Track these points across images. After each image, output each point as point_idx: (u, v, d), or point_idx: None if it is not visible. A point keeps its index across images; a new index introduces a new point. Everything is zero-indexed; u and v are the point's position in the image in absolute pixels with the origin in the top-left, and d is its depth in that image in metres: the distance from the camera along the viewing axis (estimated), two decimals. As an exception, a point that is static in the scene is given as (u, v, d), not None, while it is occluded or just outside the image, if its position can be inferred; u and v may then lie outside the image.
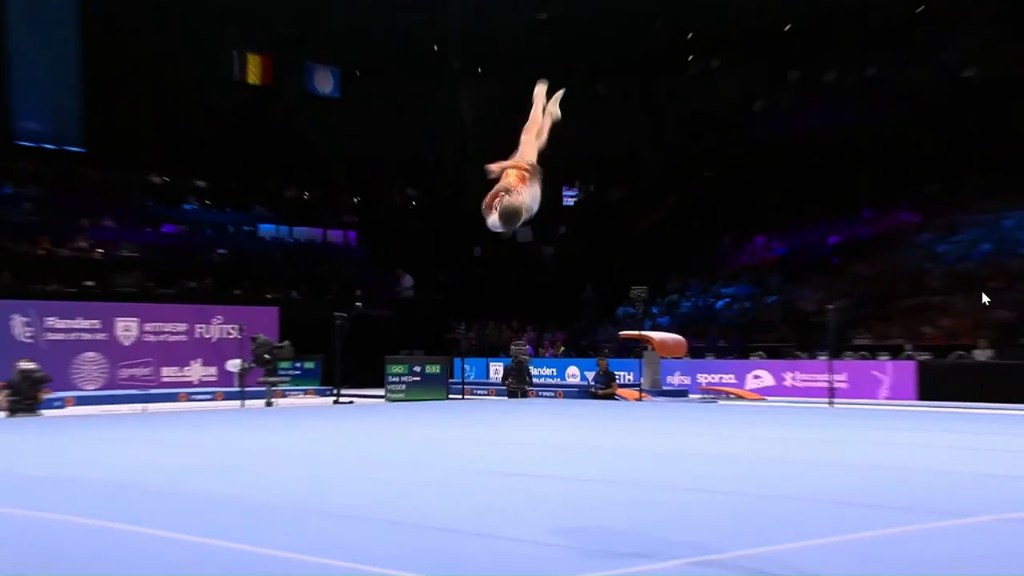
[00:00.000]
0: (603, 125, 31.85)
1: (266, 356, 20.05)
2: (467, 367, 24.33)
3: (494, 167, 6.02)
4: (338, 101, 34.01)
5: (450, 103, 35.23)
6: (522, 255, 33.31)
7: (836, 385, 19.25)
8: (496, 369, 25.72)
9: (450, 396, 21.85)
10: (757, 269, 29.48)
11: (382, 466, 9.26)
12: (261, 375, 20.20)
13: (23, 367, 16.74)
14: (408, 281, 32.11)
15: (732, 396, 21.58)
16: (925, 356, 21.58)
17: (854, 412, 17.09)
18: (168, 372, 23.40)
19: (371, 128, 32.42)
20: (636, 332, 22.44)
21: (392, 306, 30.05)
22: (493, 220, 5.89)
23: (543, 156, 6.28)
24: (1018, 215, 25.64)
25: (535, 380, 23.33)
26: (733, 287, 29.01)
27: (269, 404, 19.44)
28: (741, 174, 32.29)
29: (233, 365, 21.04)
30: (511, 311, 31.03)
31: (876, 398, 20.64)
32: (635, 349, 22.63)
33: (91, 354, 22.43)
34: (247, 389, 19.76)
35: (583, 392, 21.98)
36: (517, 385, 21.97)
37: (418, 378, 21.24)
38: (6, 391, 16.54)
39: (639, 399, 20.64)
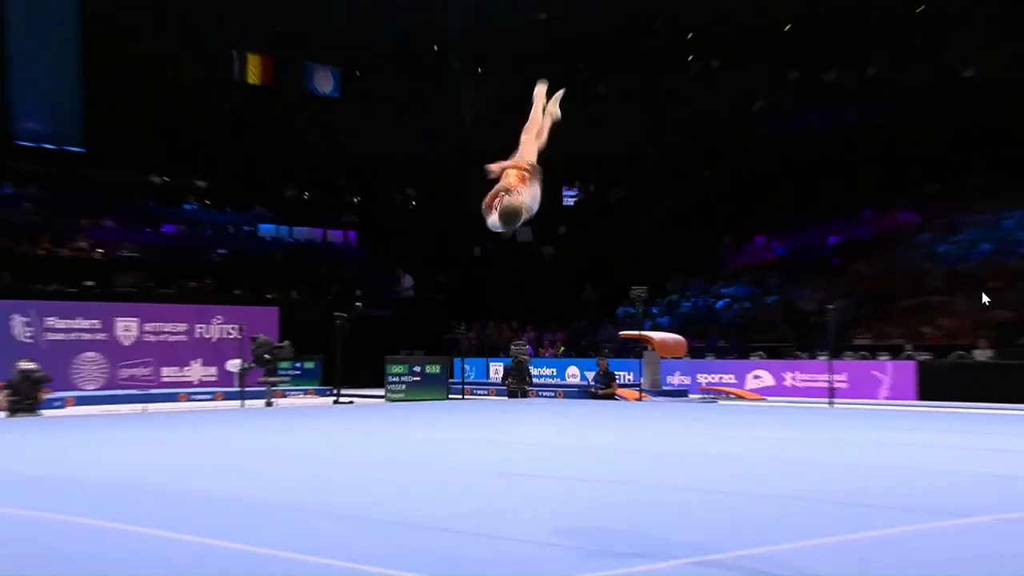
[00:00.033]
0: (603, 125, 31.85)
1: (266, 356, 20.05)
2: (467, 367, 24.33)
3: (494, 167, 6.01)
4: (338, 101, 34.02)
5: (450, 103, 35.23)
6: (522, 255, 33.32)
7: (836, 385, 19.25)
8: (496, 369, 25.72)
9: (450, 396, 21.85)
10: (757, 269, 29.48)
11: (382, 466, 9.26)
12: (261, 375, 20.20)
13: (23, 367, 16.74)
14: (408, 281, 32.11)
15: (732, 396, 21.57)
16: (925, 356, 21.58)
17: (854, 412, 17.08)
18: (168, 372, 23.40)
19: (371, 128, 32.42)
20: (636, 332, 22.44)
21: (392, 306, 30.05)
22: (493, 220, 5.87)
23: (543, 156, 6.28)
24: (1018, 215, 25.65)
25: (535, 380, 23.33)
26: (733, 287, 29.01)
27: (269, 404, 19.44)
28: (741, 174, 32.29)
29: (233, 365, 21.04)
30: (511, 311, 31.03)
31: (876, 398, 20.64)
32: (635, 349, 22.63)
33: (91, 354, 22.42)
34: (247, 389, 19.76)
35: (583, 392, 21.98)
36: (517, 385, 21.96)
37: (418, 378, 21.24)
38: (6, 391, 16.54)
39: (639, 399, 20.64)
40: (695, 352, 24.29)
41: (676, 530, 5.70)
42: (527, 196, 5.87)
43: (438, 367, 21.96)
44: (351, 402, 20.38)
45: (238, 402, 19.53)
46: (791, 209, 29.98)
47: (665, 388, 22.34)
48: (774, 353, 23.98)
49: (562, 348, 28.84)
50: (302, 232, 32.72)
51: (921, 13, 29.62)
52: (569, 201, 36.55)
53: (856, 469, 8.71)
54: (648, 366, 21.71)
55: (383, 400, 20.88)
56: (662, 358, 22.38)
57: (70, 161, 28.90)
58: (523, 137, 6.33)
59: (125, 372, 22.78)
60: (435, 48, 34.33)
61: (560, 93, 6.57)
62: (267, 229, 32.08)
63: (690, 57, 34.39)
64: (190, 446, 11.57)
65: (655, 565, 4.72)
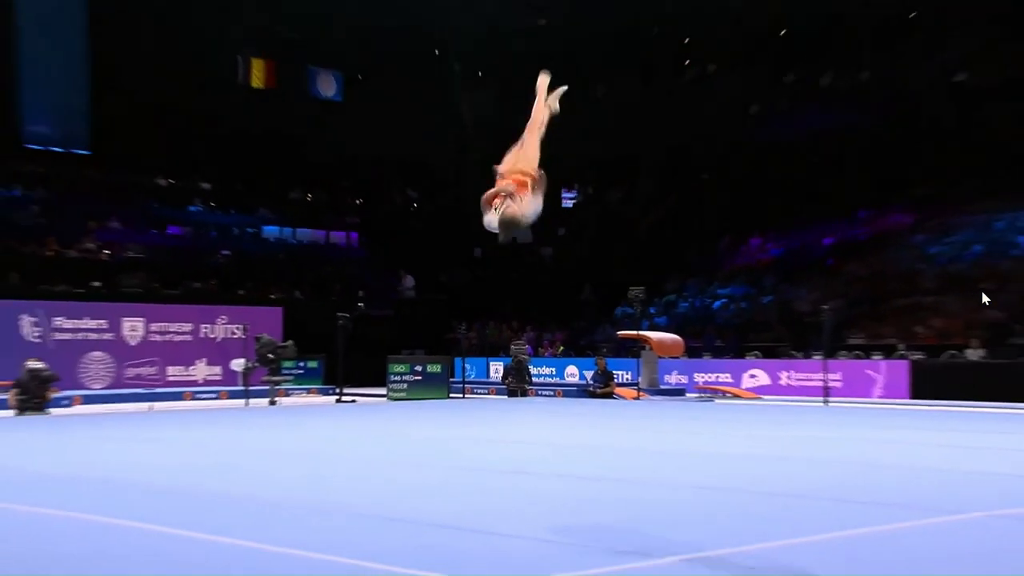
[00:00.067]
0: (601, 128, 31.86)
1: (270, 356, 20.04)
2: (467, 366, 24.32)
3: (504, 172, 5.93)
4: (340, 105, 34.03)
5: (450, 107, 35.24)
6: (522, 256, 33.32)
7: (831, 384, 19.25)
8: (496, 368, 25.71)
9: (451, 395, 21.85)
10: (753, 270, 29.49)
11: (383, 464, 9.25)
12: (265, 374, 20.19)
13: (31, 366, 16.74)
14: (409, 282, 32.11)
15: (728, 395, 21.57)
16: (918, 355, 21.60)
17: (848, 411, 17.08)
18: (173, 371, 23.40)
19: (373, 131, 32.44)
20: (634, 332, 22.43)
21: (394, 306, 30.06)
22: (490, 219, 5.77)
23: (541, 155, 6.20)
24: (1009, 217, 25.67)
25: (534, 379, 23.32)
26: (729, 288, 29.02)
27: (273, 403, 19.43)
28: (737, 176, 32.30)
29: (237, 364, 21.04)
30: (511, 311, 31.03)
31: (870, 397, 20.64)
32: (633, 349, 22.63)
33: (98, 354, 22.43)
34: (251, 388, 19.76)
35: (582, 391, 21.97)
36: (517, 384, 21.95)
37: (419, 377, 21.23)
38: (15, 390, 16.54)
39: (637, 398, 20.63)
40: (692, 352, 24.29)
41: (674, 527, 5.69)
42: (528, 206, 5.77)
43: (439, 366, 21.96)
44: (353, 401, 20.37)
45: (242, 401, 19.52)
46: (787, 211, 29.99)
47: (663, 387, 22.33)
48: (770, 353, 23.98)
49: (561, 348, 28.83)
50: (305, 234, 32.74)
51: (914, 18, 29.64)
52: (568, 203, 36.57)
53: (850, 467, 8.70)
54: (646, 365, 21.71)
55: (385, 399, 20.88)
56: (660, 358, 22.38)
57: (77, 164, 28.94)
58: (527, 137, 6.19)
59: (131, 371, 22.79)
60: (436, 53, 34.33)
61: (561, 89, 6.46)
62: (271, 231, 32.10)
63: (687, 61, 34.39)
64: (195, 444, 11.56)
65: (653, 562, 4.72)
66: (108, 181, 29.14)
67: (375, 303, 28.39)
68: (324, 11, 30.89)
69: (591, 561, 4.72)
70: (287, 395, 21.23)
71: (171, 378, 23.23)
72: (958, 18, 28.24)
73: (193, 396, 21.34)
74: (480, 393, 23.55)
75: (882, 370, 21.03)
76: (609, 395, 20.98)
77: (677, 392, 22.23)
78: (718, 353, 25.04)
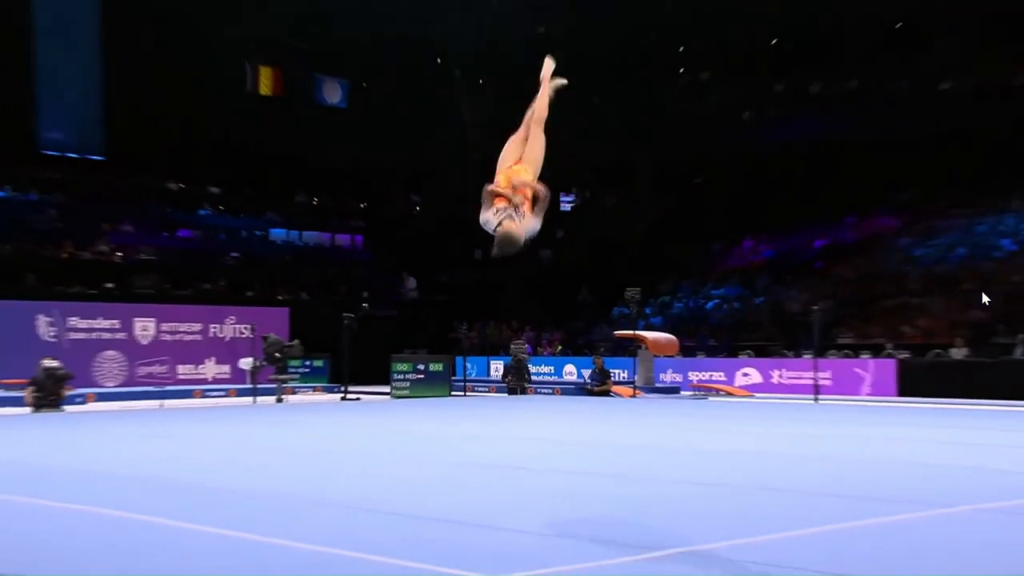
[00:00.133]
0: (598, 134, 31.84)
1: (277, 355, 20.03)
2: (469, 365, 24.30)
3: (504, 169, 5.79)
4: (345, 111, 34.01)
5: (452, 113, 35.22)
6: (521, 258, 33.25)
7: (821, 382, 19.26)
8: (496, 367, 25.70)
9: (452, 393, 21.82)
10: (745, 272, 29.49)
11: (387, 460, 9.23)
12: (272, 373, 20.18)
13: (47, 365, 16.73)
14: (412, 283, 32.10)
15: (722, 393, 21.56)
16: (905, 354, 21.60)
17: (838, 408, 17.08)
18: (184, 370, 23.39)
19: (377, 137, 32.41)
20: (630, 332, 22.41)
21: (397, 307, 30.04)
22: (487, 218, 5.60)
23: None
24: (991, 221, 25.72)
25: (534, 378, 23.31)
26: (723, 289, 29.01)
27: (279, 400, 19.42)
28: (730, 181, 32.29)
29: (245, 363, 21.03)
30: (511, 311, 31.01)
31: (859, 394, 20.63)
32: (629, 348, 22.61)
33: (111, 353, 22.42)
34: (259, 386, 19.74)
35: (580, 389, 21.95)
36: (516, 382, 21.93)
37: (422, 376, 21.21)
38: (31, 388, 16.54)
39: (633, 396, 20.62)
40: (686, 351, 24.28)
41: (670, 521, 5.67)
42: (527, 225, 5.60)
43: (441, 365, 21.93)
44: (358, 399, 20.35)
45: (250, 398, 19.51)
46: (778, 214, 29.99)
47: (658, 385, 22.32)
48: (762, 352, 23.98)
49: (559, 347, 28.82)
50: (311, 236, 32.73)
51: (900, 29, 29.65)
52: (566, 207, 36.55)
53: (840, 462, 8.68)
54: (642, 364, 21.69)
55: (388, 397, 20.85)
56: (655, 357, 22.37)
57: (92, 169, 28.93)
58: (533, 130, 6.00)
59: (143, 370, 22.77)
60: (438, 61, 34.32)
61: (562, 81, 6.26)
62: (278, 233, 32.08)
63: (681, 69, 34.38)
64: (204, 440, 11.54)
65: (649, 555, 4.70)
66: (121, 186, 29.14)
67: (379, 304, 28.37)
68: (330, 21, 30.87)
69: (589, 554, 4.71)
70: (293, 393, 21.22)
71: (181, 376, 23.21)
72: (941, 29, 28.27)
73: (202, 394, 21.33)
74: (481, 391, 23.52)
75: (870, 368, 21.02)
76: (606, 393, 20.97)
77: (672, 390, 22.22)
78: (712, 352, 25.02)
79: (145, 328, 22.98)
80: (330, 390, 22.84)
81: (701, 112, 32.79)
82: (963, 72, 28.24)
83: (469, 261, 33.84)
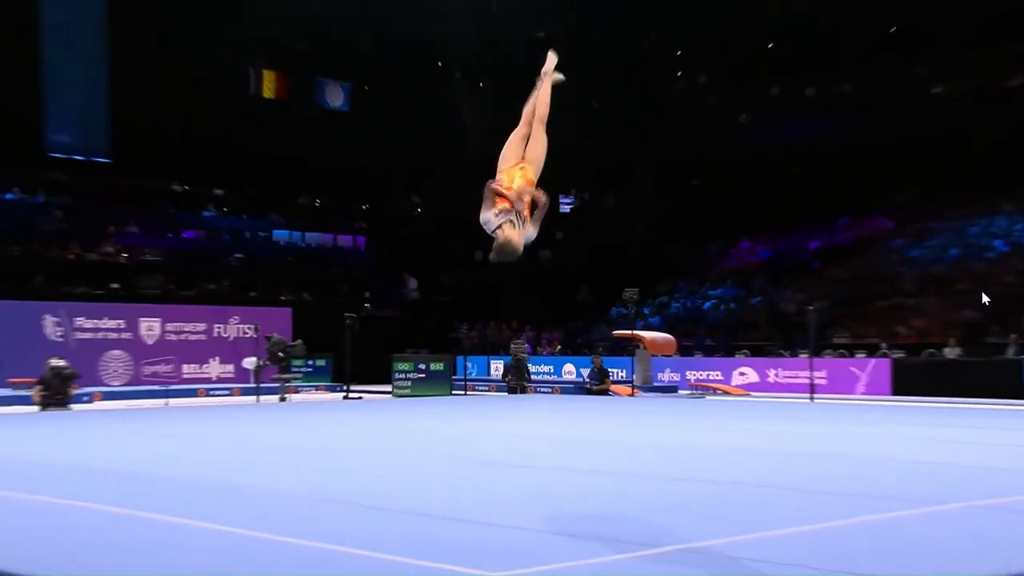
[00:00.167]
0: (597, 137, 31.84)
1: (280, 354, 20.02)
2: (469, 365, 24.29)
3: (505, 168, 5.71)
4: (347, 114, 34.01)
5: (452, 116, 35.22)
6: (521, 259, 33.23)
7: (816, 381, 19.25)
8: (496, 367, 25.69)
9: (453, 392, 21.81)
10: (742, 272, 29.49)
11: (388, 458, 9.22)
12: (275, 372, 20.18)
13: (54, 364, 16.73)
14: (413, 283, 32.10)
15: (719, 392, 21.55)
16: (899, 354, 21.59)
17: (833, 407, 17.06)
18: (188, 369, 23.39)
19: (378, 139, 32.41)
20: (628, 331, 22.40)
21: (398, 307, 30.04)
22: (487, 217, 5.52)
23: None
24: (983, 222, 25.72)
25: (533, 377, 23.29)
26: (720, 289, 29.01)
27: (283, 399, 19.41)
28: (727, 183, 32.28)
29: (249, 363, 21.03)
30: (511, 312, 31.00)
31: (854, 393, 20.62)
32: (628, 348, 22.60)
33: (117, 352, 22.42)
34: (262, 385, 19.74)
35: (579, 388, 21.94)
36: (516, 382, 21.92)
37: (423, 375, 21.21)
38: (39, 387, 16.54)
39: (631, 395, 20.61)
40: (684, 350, 24.28)
41: (668, 518, 5.66)
42: (526, 234, 5.55)
43: (442, 364, 21.92)
44: (360, 398, 20.35)
45: (253, 397, 19.50)
46: (774, 216, 29.99)
47: (656, 384, 22.31)
48: (758, 351, 23.97)
49: (559, 347, 28.81)
50: (314, 237, 32.73)
51: (893, 34, 29.66)
52: (565, 208, 36.54)
53: (836, 460, 8.67)
54: (640, 364, 21.68)
55: (390, 396, 20.85)
56: (653, 356, 22.35)
57: (98, 172, 28.93)
58: (536, 128, 5.89)
59: (148, 369, 22.78)
60: (439, 64, 34.32)
61: (560, 77, 6.14)
62: (281, 235, 32.09)
63: (679, 73, 34.38)
64: (208, 439, 11.53)
65: (648, 551, 4.69)
66: (127, 188, 29.15)
67: (380, 304, 28.36)
68: (332, 25, 30.88)
69: (589, 551, 4.69)
70: (296, 392, 21.21)
71: (186, 376, 23.22)
72: (934, 33, 28.28)
73: (207, 393, 21.33)
74: (481, 390, 23.51)
75: (865, 368, 21.01)
76: (605, 392, 20.95)
77: (670, 389, 22.21)
78: (709, 352, 25.02)
79: (150, 328, 22.98)
80: (332, 389, 22.83)
81: (699, 115, 32.80)
82: (956, 75, 28.25)
83: (470, 262, 33.84)
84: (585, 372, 22.66)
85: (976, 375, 19.47)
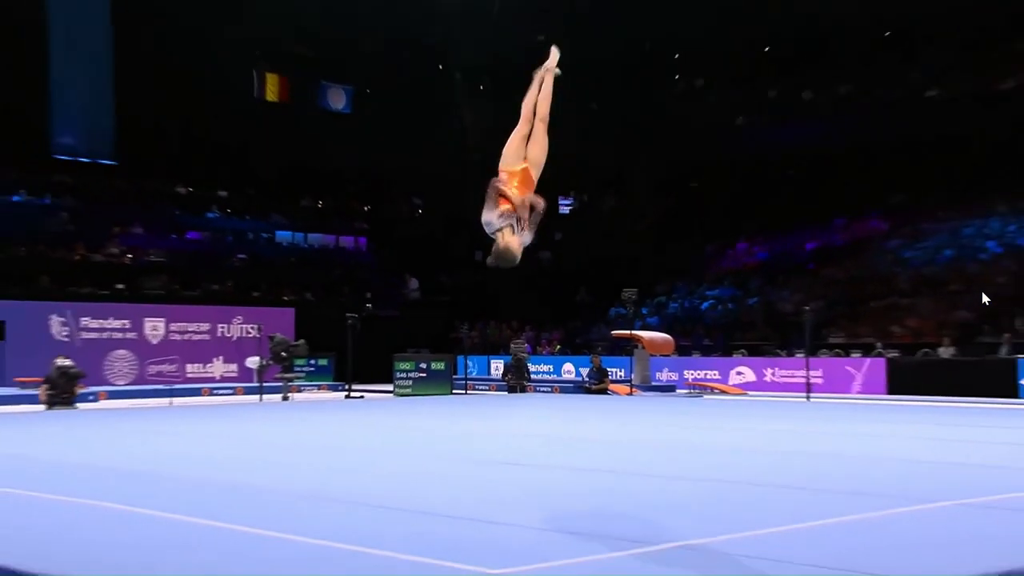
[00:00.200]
0: (596, 139, 31.84)
1: (283, 354, 20.02)
2: (470, 364, 24.29)
3: (506, 168, 5.65)
4: (350, 117, 34.01)
5: (453, 118, 35.22)
6: (521, 259, 33.22)
7: (812, 381, 19.24)
8: (496, 366, 25.69)
9: (454, 391, 21.81)
10: (739, 273, 29.48)
11: (389, 456, 9.21)
12: (278, 371, 20.17)
13: (60, 364, 16.74)
14: (414, 284, 32.08)
15: (716, 391, 21.54)
16: (894, 354, 21.59)
17: (829, 406, 17.05)
18: (192, 369, 23.40)
19: (380, 142, 32.41)
20: (627, 331, 22.40)
21: (400, 307, 30.02)
22: (490, 218, 5.48)
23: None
24: (977, 224, 25.72)
25: (533, 376, 23.29)
26: (717, 290, 29.00)
27: (285, 398, 19.41)
28: (724, 185, 32.27)
29: (252, 362, 21.03)
30: (511, 312, 30.99)
31: (849, 392, 20.61)
32: (626, 347, 22.60)
33: (122, 352, 22.43)
34: (265, 384, 19.74)
35: (578, 387, 21.94)
36: (516, 381, 21.92)
37: (424, 374, 21.20)
38: (45, 386, 16.55)
39: (630, 394, 20.60)
40: (682, 350, 24.28)
41: (665, 516, 5.65)
42: (524, 240, 5.54)
43: (443, 364, 21.92)
44: (361, 397, 20.34)
45: (256, 396, 19.50)
46: (771, 217, 29.99)
47: (654, 384, 22.30)
48: (755, 351, 23.97)
49: (558, 346, 28.81)
50: (316, 238, 32.72)
51: (888, 37, 29.66)
52: (565, 210, 36.52)
53: (831, 458, 8.67)
54: (638, 363, 21.67)
55: (391, 395, 20.84)
56: (651, 356, 22.34)
57: (103, 174, 28.93)
58: (537, 128, 5.83)
59: (153, 368, 22.78)
60: (440, 67, 34.32)
61: (557, 71, 6.11)
62: (284, 236, 32.08)
63: (677, 75, 34.38)
64: (212, 437, 11.52)
65: (646, 549, 4.68)
66: (132, 190, 29.13)
67: (382, 304, 28.34)
68: (335, 29, 30.87)
69: (587, 549, 4.69)
70: (299, 391, 21.20)
71: (190, 375, 23.22)
72: (929, 37, 28.28)
73: (211, 392, 21.33)
74: (481, 389, 23.50)
75: (860, 367, 21.01)
76: (604, 391, 20.95)
77: (668, 388, 22.21)
78: (706, 351, 25.01)
79: (155, 328, 22.98)
80: (334, 388, 22.82)
81: (697, 116, 32.79)
82: (954, 77, 28.23)
83: (470, 262, 33.84)
84: (584, 372, 22.65)
85: (970, 375, 19.47)
